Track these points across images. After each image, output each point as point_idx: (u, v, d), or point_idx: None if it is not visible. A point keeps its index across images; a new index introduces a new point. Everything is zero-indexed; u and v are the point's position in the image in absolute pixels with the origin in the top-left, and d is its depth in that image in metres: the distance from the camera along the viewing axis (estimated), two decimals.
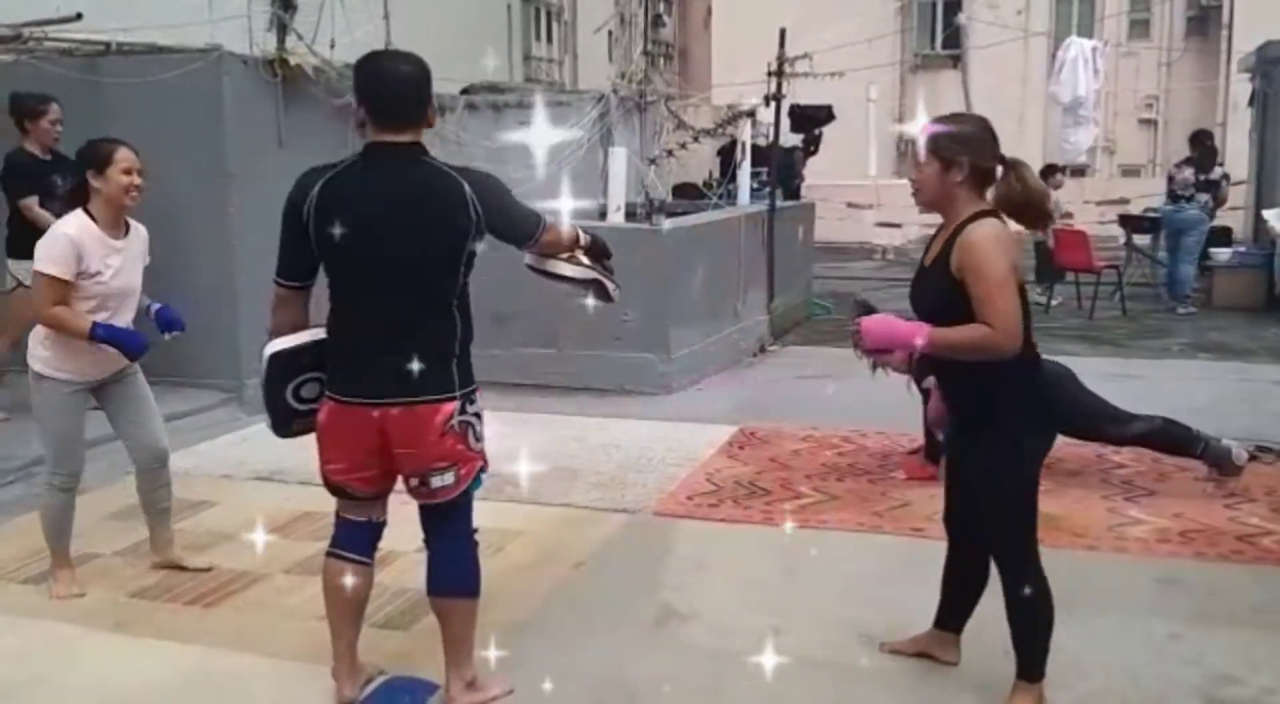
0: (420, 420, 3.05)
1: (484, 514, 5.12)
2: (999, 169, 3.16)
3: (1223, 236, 13.69)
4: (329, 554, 3.32)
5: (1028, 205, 3.16)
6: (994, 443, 3.15)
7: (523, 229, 3.21)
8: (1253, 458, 5.71)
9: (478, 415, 3.18)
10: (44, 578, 4.36)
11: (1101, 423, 5.43)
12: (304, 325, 3.20)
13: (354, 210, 3.00)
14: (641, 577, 4.53)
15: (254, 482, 5.74)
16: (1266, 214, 12.28)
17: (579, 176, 10.48)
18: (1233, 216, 15.28)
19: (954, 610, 3.62)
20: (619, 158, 8.94)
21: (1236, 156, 20.56)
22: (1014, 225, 3.18)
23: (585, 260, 3.44)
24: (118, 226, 4.12)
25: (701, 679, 3.60)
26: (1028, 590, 3.21)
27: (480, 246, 3.09)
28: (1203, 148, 11.74)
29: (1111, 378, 8.01)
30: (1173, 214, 11.47)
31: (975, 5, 23.64)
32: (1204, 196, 11.44)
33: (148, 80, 6.93)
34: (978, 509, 3.30)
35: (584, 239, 3.42)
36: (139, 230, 4.28)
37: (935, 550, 4.65)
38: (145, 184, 4.10)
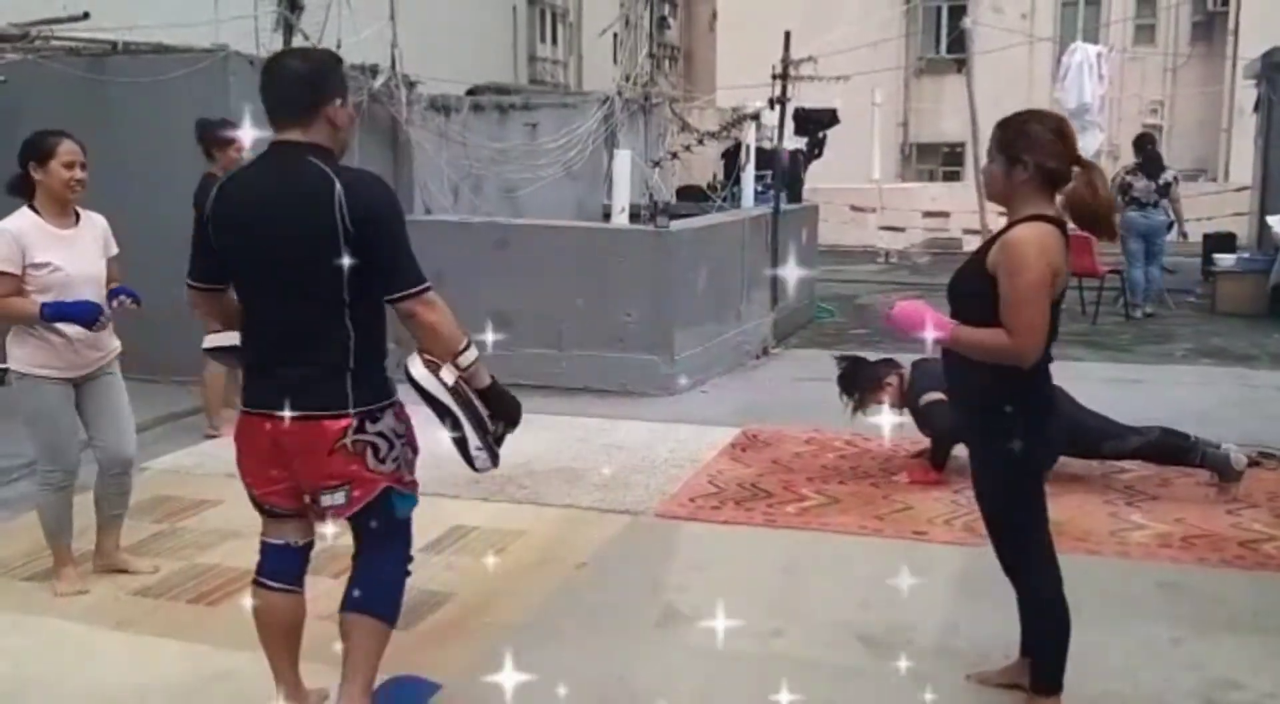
0: (308, 435, 2.88)
1: (486, 514, 5.19)
2: (1073, 171, 3.08)
3: (1227, 242, 13.69)
4: (254, 582, 3.16)
5: (1094, 212, 3.09)
6: (992, 436, 3.14)
7: (401, 271, 2.85)
8: (1255, 463, 5.71)
9: (383, 435, 2.93)
10: (48, 576, 4.37)
11: (1101, 440, 5.44)
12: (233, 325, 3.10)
13: (236, 213, 2.91)
14: (643, 578, 4.54)
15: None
16: (1271, 220, 12.29)
17: (583, 178, 10.51)
18: (1237, 222, 15.30)
19: (1025, 634, 3.42)
20: (624, 160, 8.96)
21: (1242, 162, 20.57)
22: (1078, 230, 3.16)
23: (448, 381, 2.90)
24: (65, 216, 4.15)
25: (703, 680, 3.61)
26: (1038, 594, 3.20)
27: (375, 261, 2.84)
28: (1146, 153, 11.81)
29: (1115, 383, 8.02)
30: (1141, 220, 11.50)
31: (980, 9, 23.64)
32: (1164, 201, 11.54)
33: (154, 79, 6.97)
34: (986, 511, 3.30)
35: (467, 358, 2.93)
36: (92, 219, 4.28)
37: (936, 554, 4.68)
38: (88, 177, 4.12)
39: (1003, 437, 3.10)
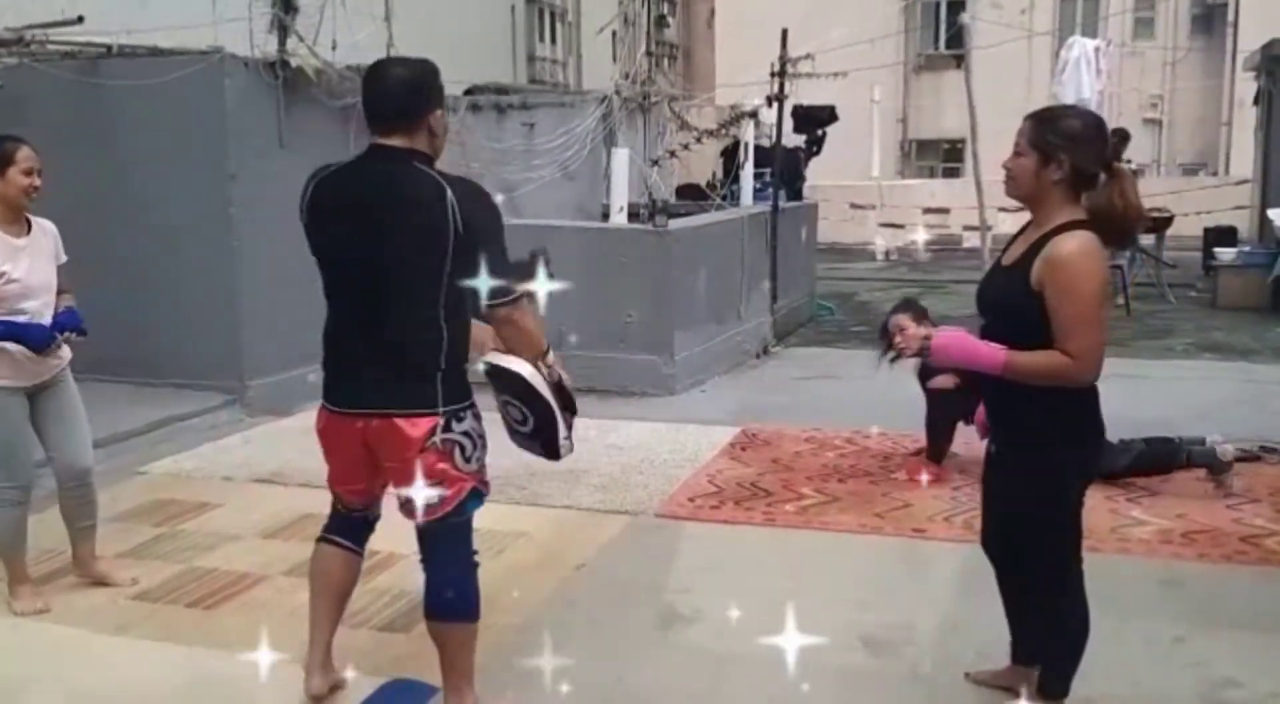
0: (399, 434, 2.96)
1: (485, 516, 5.12)
2: (1101, 176, 2.90)
3: (1227, 236, 13.68)
4: (320, 539, 3.30)
5: (1123, 223, 2.90)
6: (1036, 460, 2.96)
7: (499, 275, 2.91)
8: (1256, 458, 5.70)
9: (468, 435, 3.03)
10: (48, 579, 4.37)
11: (1178, 447, 5.44)
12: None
13: (333, 211, 2.97)
14: (643, 578, 4.53)
15: (256, 483, 5.74)
16: (1272, 213, 12.27)
17: (582, 178, 10.50)
18: (1238, 216, 15.29)
19: (1025, 644, 3.31)
20: (622, 159, 8.95)
21: (1242, 156, 20.55)
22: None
23: (547, 378, 3.08)
24: (19, 224, 4.03)
25: (704, 681, 3.60)
26: (1066, 614, 3.08)
27: (472, 264, 2.93)
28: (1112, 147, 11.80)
29: (1116, 378, 7.94)
30: None
31: (979, 4, 23.58)
32: None
33: (150, 82, 6.94)
34: (1017, 529, 3.11)
35: (554, 360, 3.12)
36: (44, 226, 4.15)
37: (936, 552, 4.67)
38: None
39: (1048, 455, 2.94)
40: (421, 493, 3.00)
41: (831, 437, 6.51)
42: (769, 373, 8.79)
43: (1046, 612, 3.14)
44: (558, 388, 3.12)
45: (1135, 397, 7.33)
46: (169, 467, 6.07)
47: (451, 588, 3.14)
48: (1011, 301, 2.89)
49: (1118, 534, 4.82)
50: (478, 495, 3.12)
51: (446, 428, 2.98)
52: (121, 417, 6.56)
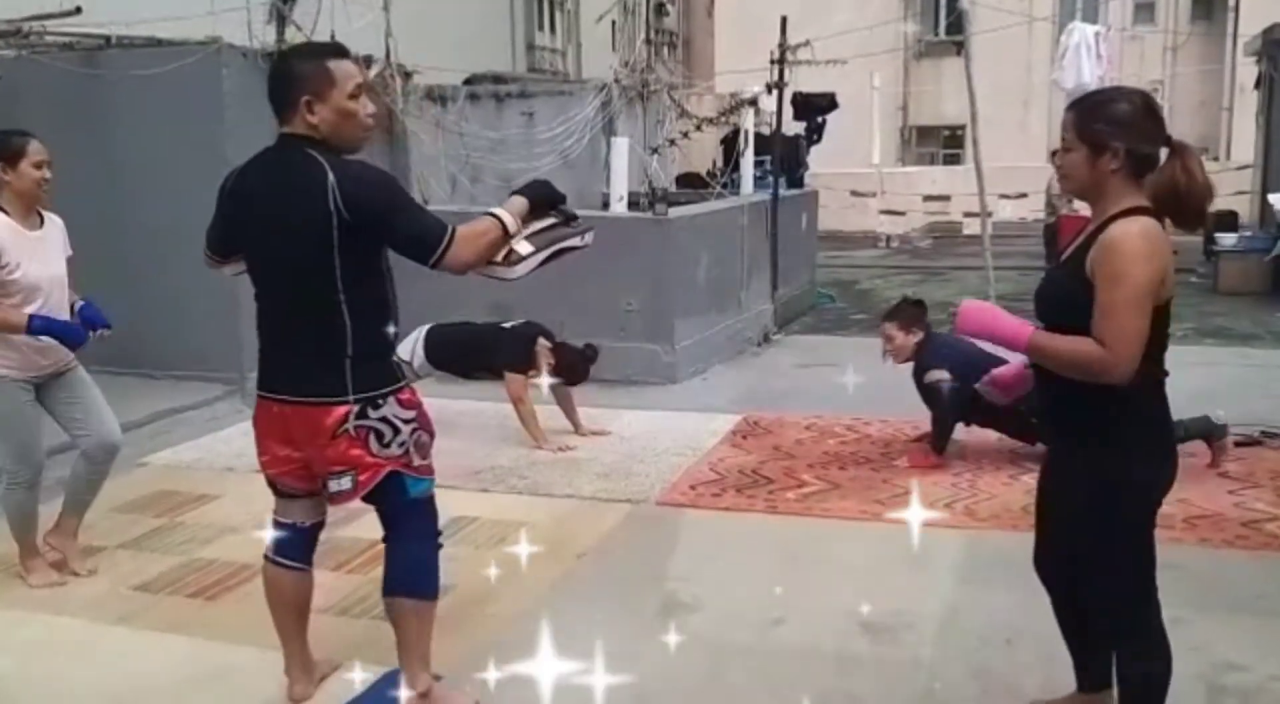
0: (310, 420, 2.96)
1: (487, 505, 5.18)
2: (1163, 153, 2.65)
3: (1228, 221, 13.66)
4: (265, 558, 3.26)
5: (1190, 201, 2.63)
6: (1098, 469, 2.65)
7: (417, 243, 2.88)
8: (1257, 442, 5.70)
9: (385, 420, 2.97)
10: (54, 567, 4.38)
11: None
12: None
13: (240, 203, 3.02)
14: (645, 566, 4.53)
15: (256, 474, 5.65)
16: (1272, 198, 12.24)
17: (581, 167, 10.48)
18: (1238, 201, 15.26)
19: (1087, 669, 3.05)
20: (621, 147, 8.93)
21: (1243, 141, 20.48)
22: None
23: (526, 247, 3.04)
24: (32, 218, 4.11)
25: (705, 669, 3.60)
26: (1143, 663, 2.74)
27: (375, 247, 2.93)
28: None
29: None
30: None
31: None
32: None
33: (148, 73, 6.93)
34: (1076, 550, 2.78)
35: (509, 221, 2.99)
36: (54, 220, 4.23)
37: (938, 539, 4.67)
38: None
39: (1113, 464, 2.64)
40: (335, 479, 3.00)
41: (833, 424, 6.51)
42: (770, 361, 8.79)
43: (1119, 659, 2.80)
44: (538, 234, 3.06)
45: None
46: (169, 458, 6.08)
47: (406, 565, 3.12)
48: (1063, 291, 2.67)
49: None
50: (414, 479, 3.05)
51: (361, 415, 2.95)
52: (122, 409, 6.46)
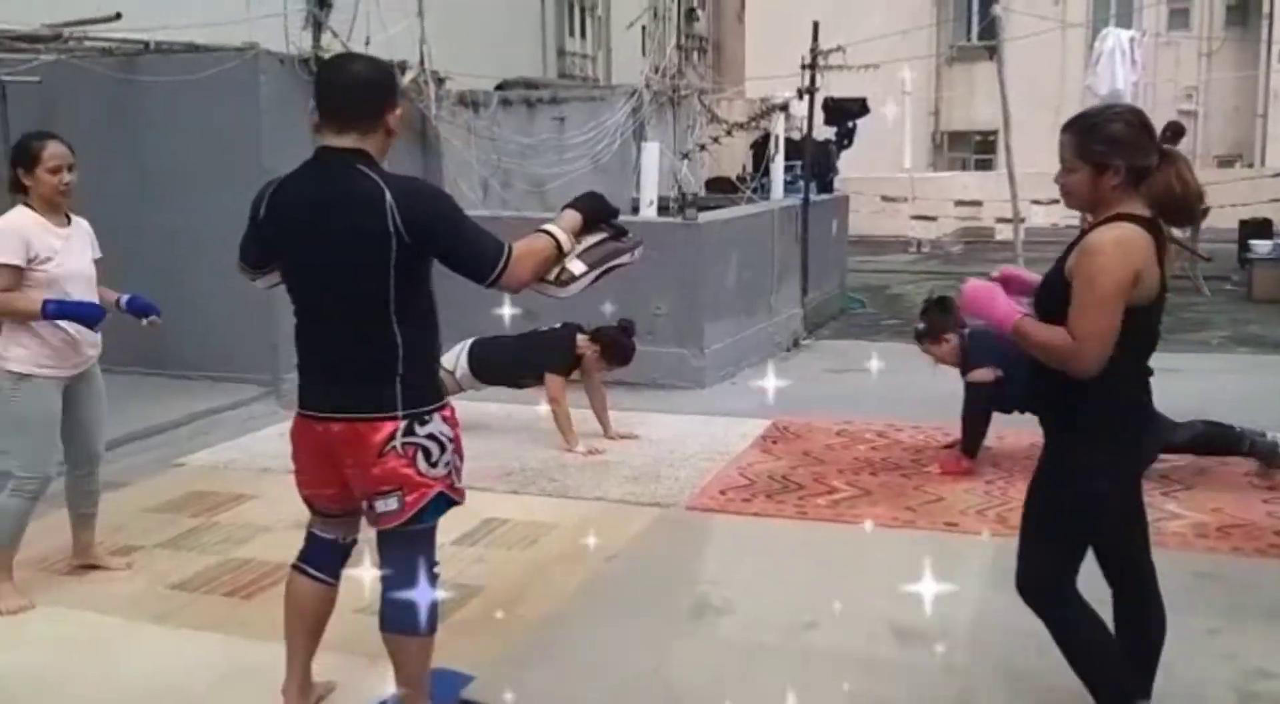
0: (359, 438, 2.89)
1: (516, 507, 5.21)
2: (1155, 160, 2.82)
3: (1263, 229, 13.52)
4: (293, 567, 3.21)
5: (1184, 204, 2.82)
6: (1063, 451, 2.89)
7: (475, 262, 2.85)
8: None
9: (433, 438, 2.93)
10: (88, 569, 4.45)
11: (1241, 435, 5.43)
12: None
13: (287, 218, 2.92)
14: (674, 571, 4.55)
15: (291, 475, 5.78)
16: None
17: (612, 171, 10.50)
18: (1273, 208, 15.10)
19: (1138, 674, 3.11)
20: (652, 152, 8.95)
21: (1278, 148, 20.32)
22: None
23: (579, 266, 3.02)
24: (59, 215, 4.08)
25: (736, 673, 3.60)
26: (1066, 627, 2.97)
27: (428, 264, 2.89)
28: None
29: None
30: None
31: None
32: None
33: (185, 79, 7.02)
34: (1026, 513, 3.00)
35: (563, 239, 2.98)
36: (80, 223, 4.20)
37: (968, 546, 4.66)
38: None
39: (1079, 448, 2.85)
40: (382, 499, 2.92)
41: (863, 430, 6.50)
42: (799, 366, 8.78)
43: (1051, 629, 2.98)
44: (590, 250, 3.05)
45: (1170, 390, 7.26)
46: (206, 458, 6.15)
47: (403, 600, 3.00)
48: (1052, 288, 2.86)
49: (1153, 527, 4.74)
50: (444, 501, 2.99)
51: (409, 431, 2.90)
52: (159, 409, 6.65)
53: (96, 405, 4.30)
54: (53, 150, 4.00)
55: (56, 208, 4.08)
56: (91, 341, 4.16)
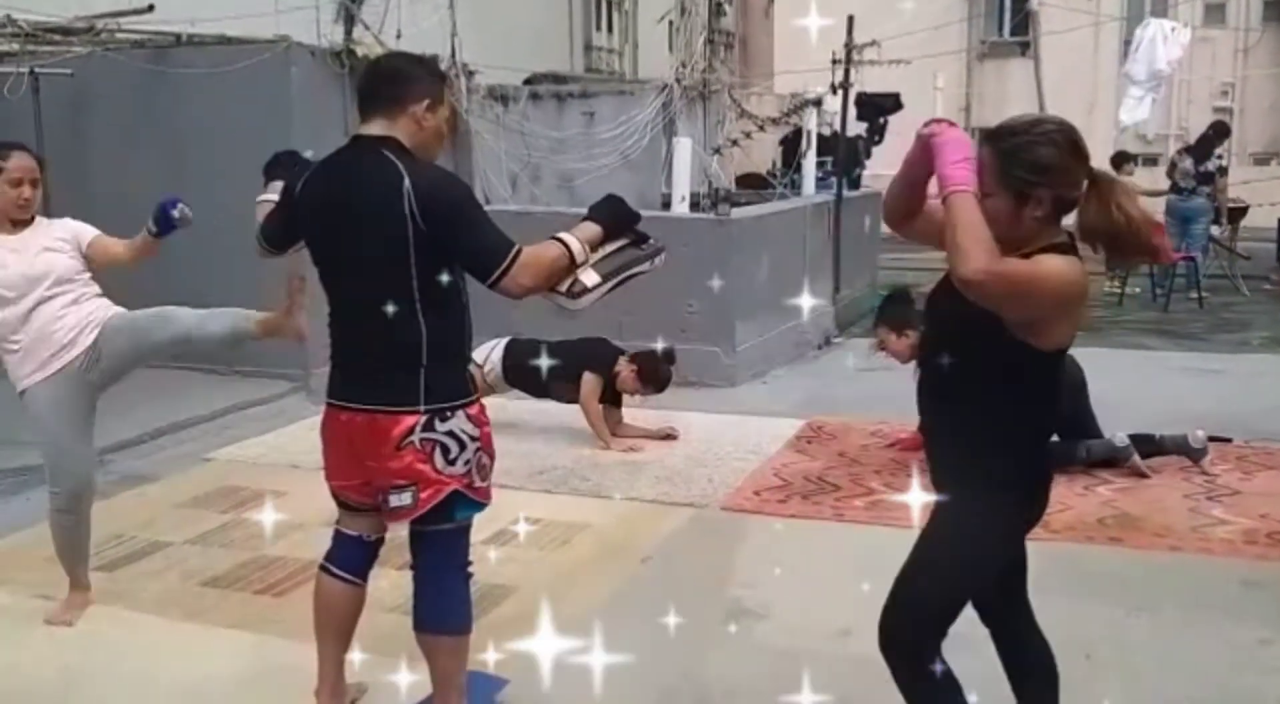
0: (379, 430, 2.85)
1: (549, 507, 5.16)
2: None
3: None
4: (320, 568, 3.18)
5: (1134, 237, 2.43)
6: (968, 498, 2.61)
7: (480, 257, 2.81)
8: None
9: (452, 434, 2.87)
10: (118, 565, 4.43)
11: (1075, 446, 5.40)
12: None
13: (315, 204, 2.93)
14: (709, 572, 4.48)
15: (321, 471, 5.75)
16: None
17: (642, 167, 10.44)
18: None
19: None
20: (683, 148, 8.87)
21: None
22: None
23: (593, 277, 2.95)
24: (14, 229, 3.81)
25: (771, 678, 3.54)
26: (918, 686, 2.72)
27: (448, 255, 2.84)
28: (1202, 135, 11.87)
29: (1191, 372, 7.82)
30: (1179, 203, 11.43)
31: None
32: (1205, 188, 11.43)
33: (217, 71, 7.01)
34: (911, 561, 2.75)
35: (577, 250, 2.92)
36: (47, 224, 3.92)
37: None
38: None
39: (976, 502, 2.59)
40: (396, 494, 2.89)
41: (899, 430, 6.40)
42: (831, 364, 8.69)
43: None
44: (606, 259, 3.01)
45: (1210, 391, 7.17)
46: (235, 453, 6.13)
47: (439, 600, 3.00)
48: (962, 322, 2.45)
49: (1199, 533, 4.68)
50: (468, 503, 2.95)
51: (428, 426, 2.85)
52: (188, 404, 6.64)
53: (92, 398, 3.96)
54: (17, 162, 3.76)
55: (12, 222, 3.82)
56: (63, 343, 3.80)
